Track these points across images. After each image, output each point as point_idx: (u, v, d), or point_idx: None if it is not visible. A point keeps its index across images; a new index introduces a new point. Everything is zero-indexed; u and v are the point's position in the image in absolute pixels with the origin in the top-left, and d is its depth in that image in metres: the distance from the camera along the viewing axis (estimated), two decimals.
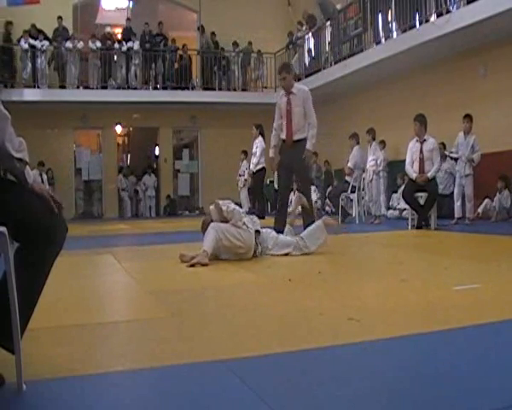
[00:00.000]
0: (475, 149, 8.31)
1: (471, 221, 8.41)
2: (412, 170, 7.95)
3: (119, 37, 15.62)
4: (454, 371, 1.89)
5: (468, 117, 8.33)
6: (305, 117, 6.01)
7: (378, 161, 9.86)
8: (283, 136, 5.93)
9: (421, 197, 7.88)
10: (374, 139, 10.00)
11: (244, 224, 4.83)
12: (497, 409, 1.56)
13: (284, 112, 5.90)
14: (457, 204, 8.60)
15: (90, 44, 14.77)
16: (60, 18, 14.72)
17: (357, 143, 10.36)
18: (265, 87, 16.23)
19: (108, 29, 15.43)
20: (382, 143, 11.90)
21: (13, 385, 1.74)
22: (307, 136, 6.02)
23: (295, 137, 5.93)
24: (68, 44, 14.56)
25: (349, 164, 10.17)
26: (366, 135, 10.06)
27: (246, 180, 12.76)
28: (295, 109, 5.92)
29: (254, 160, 11.47)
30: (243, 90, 16.14)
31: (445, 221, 8.67)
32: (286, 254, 4.97)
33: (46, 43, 14.33)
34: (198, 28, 15.82)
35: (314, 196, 13.54)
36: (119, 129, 16.91)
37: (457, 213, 8.57)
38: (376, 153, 9.90)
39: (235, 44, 16.07)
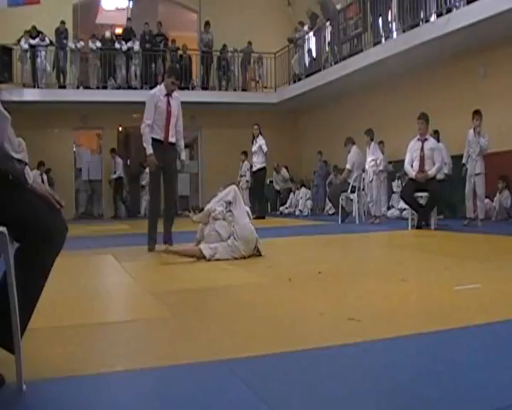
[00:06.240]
0: (484, 139, 7.97)
1: (482, 221, 8.06)
2: (411, 169, 7.93)
3: (120, 36, 15.57)
4: (454, 370, 1.89)
5: (477, 113, 8.03)
6: (176, 123, 6.02)
7: (378, 162, 9.86)
8: (157, 136, 5.89)
9: (422, 197, 7.88)
10: (372, 140, 9.99)
11: (221, 213, 5.00)
12: (498, 408, 1.57)
13: (164, 112, 5.88)
14: (469, 204, 8.20)
15: (90, 44, 14.76)
16: (63, 22, 14.71)
17: (353, 143, 10.36)
18: (265, 87, 16.24)
19: (108, 34, 15.36)
20: (382, 144, 11.92)
21: (13, 385, 1.74)
22: (178, 144, 6.05)
23: (171, 140, 5.94)
24: (71, 44, 14.57)
25: (347, 166, 10.17)
26: (364, 136, 10.04)
27: (248, 181, 12.76)
28: (174, 112, 5.94)
29: (260, 159, 11.47)
30: (243, 90, 16.13)
31: (448, 221, 8.67)
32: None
33: (47, 40, 14.33)
34: (205, 24, 15.74)
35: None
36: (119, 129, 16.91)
37: (469, 213, 8.21)
38: (376, 153, 9.90)
39: (235, 44, 16.05)
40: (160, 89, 6.04)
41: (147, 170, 15.17)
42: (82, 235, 8.33)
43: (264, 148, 11.42)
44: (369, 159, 9.85)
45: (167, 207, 6.08)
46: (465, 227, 7.83)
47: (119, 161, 15.09)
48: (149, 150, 5.83)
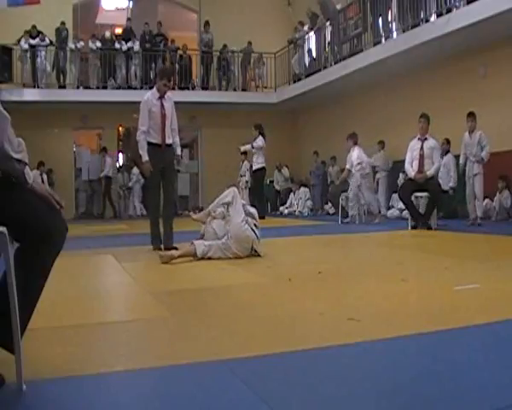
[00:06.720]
0: (483, 145, 8.07)
1: (481, 220, 8.16)
2: (411, 169, 7.94)
3: (119, 36, 15.55)
4: (454, 370, 1.89)
5: (471, 115, 8.14)
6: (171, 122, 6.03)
7: (363, 165, 9.80)
8: (154, 140, 5.90)
9: (422, 197, 7.88)
10: (355, 144, 9.99)
11: (221, 213, 5.08)
12: (498, 408, 1.57)
13: (158, 116, 5.89)
14: (470, 206, 8.30)
15: (90, 44, 14.76)
16: (63, 23, 14.72)
17: (355, 143, 10.35)
18: (265, 87, 16.24)
19: (108, 34, 15.35)
20: (382, 144, 11.93)
21: (13, 385, 1.74)
22: (174, 141, 6.04)
23: (169, 141, 5.96)
24: (71, 44, 14.58)
25: (347, 166, 10.16)
26: (348, 140, 10.04)
27: (247, 182, 12.76)
28: (168, 114, 5.95)
29: (260, 159, 11.46)
30: (243, 90, 16.13)
31: (448, 221, 8.66)
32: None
33: (47, 40, 14.34)
34: (205, 24, 15.73)
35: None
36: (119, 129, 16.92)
37: (472, 213, 8.29)
38: (361, 156, 9.87)
39: (235, 44, 16.06)
40: (153, 93, 6.04)
41: (133, 170, 15.29)
42: (82, 235, 8.32)
43: (256, 144, 11.40)
44: (354, 163, 9.82)
45: (166, 208, 6.08)
46: (468, 227, 7.85)
47: (109, 160, 15.09)
48: (145, 157, 5.87)
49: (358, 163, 9.73)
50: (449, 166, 9.65)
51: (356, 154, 9.81)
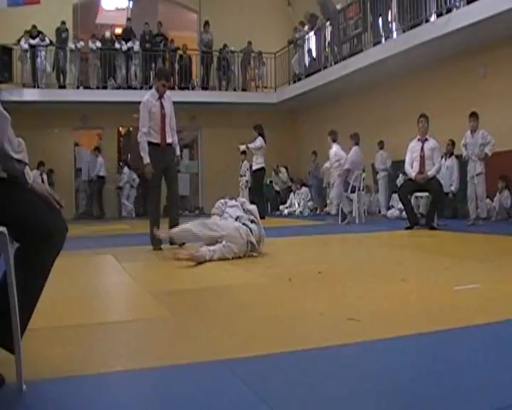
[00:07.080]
0: (487, 142, 8.06)
1: (483, 221, 8.19)
2: (411, 169, 7.94)
3: (119, 36, 15.55)
4: (454, 370, 1.89)
5: (474, 115, 8.15)
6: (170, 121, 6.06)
7: (342, 161, 9.78)
8: (155, 139, 5.92)
9: (422, 197, 7.88)
10: (334, 141, 9.98)
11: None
12: (498, 408, 1.57)
13: (158, 115, 5.92)
14: (471, 205, 8.30)
15: (90, 44, 14.76)
16: (63, 23, 14.73)
17: (356, 143, 10.35)
18: (265, 87, 16.24)
19: (108, 34, 15.34)
20: (381, 144, 11.93)
21: (13, 385, 1.74)
22: (173, 141, 6.07)
23: (169, 141, 5.99)
24: (71, 45, 14.58)
25: (346, 166, 10.15)
26: (328, 137, 10.03)
27: (247, 181, 12.75)
28: (168, 114, 5.99)
29: (259, 159, 11.46)
30: (243, 90, 16.13)
31: (448, 221, 8.67)
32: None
33: (47, 40, 14.34)
34: (205, 24, 15.73)
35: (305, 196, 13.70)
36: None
37: (472, 213, 8.28)
38: (339, 153, 9.84)
39: (235, 44, 16.06)
40: (152, 93, 6.05)
41: (124, 170, 15.28)
42: (82, 235, 8.32)
43: (253, 145, 11.40)
44: (333, 160, 9.79)
45: (171, 209, 6.07)
46: (468, 227, 7.86)
47: (101, 160, 15.10)
48: (146, 160, 5.88)
49: (336, 160, 9.72)
50: (452, 170, 9.64)
51: (333, 151, 9.81)
